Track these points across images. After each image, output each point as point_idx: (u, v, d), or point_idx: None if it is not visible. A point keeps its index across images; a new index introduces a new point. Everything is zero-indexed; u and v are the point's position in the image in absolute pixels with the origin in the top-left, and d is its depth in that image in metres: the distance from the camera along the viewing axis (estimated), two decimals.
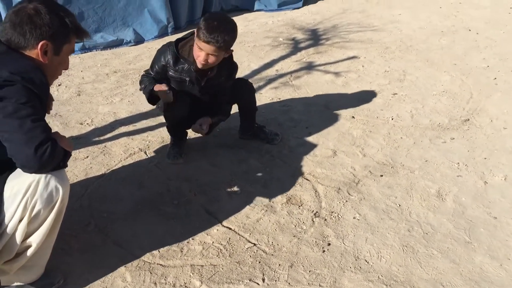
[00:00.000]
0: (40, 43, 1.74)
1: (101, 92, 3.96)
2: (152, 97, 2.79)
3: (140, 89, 2.86)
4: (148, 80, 2.78)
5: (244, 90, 3.04)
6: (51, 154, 1.66)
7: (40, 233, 1.80)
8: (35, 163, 1.65)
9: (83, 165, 2.92)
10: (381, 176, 2.88)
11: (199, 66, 2.65)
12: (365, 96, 3.90)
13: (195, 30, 2.62)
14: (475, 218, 2.52)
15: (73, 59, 4.65)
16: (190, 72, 2.73)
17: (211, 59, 2.59)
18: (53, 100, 2.11)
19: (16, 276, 1.93)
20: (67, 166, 1.81)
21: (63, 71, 1.96)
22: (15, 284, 1.97)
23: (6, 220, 1.71)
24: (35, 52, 1.75)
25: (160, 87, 2.63)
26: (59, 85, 4.07)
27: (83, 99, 3.82)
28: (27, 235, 1.78)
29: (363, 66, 4.54)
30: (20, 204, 1.71)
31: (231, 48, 2.67)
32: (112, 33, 5.07)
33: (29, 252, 1.83)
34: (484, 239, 2.38)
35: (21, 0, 1.79)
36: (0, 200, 1.70)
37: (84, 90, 3.98)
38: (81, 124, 3.42)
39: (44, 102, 1.77)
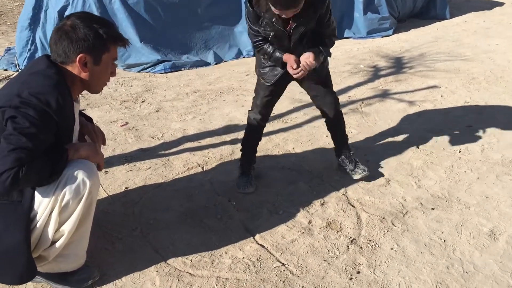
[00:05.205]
0: (78, 57, 1.92)
1: (177, 109, 4.22)
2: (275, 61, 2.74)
3: (262, 53, 2.77)
4: (270, 47, 2.69)
5: (326, 99, 2.93)
6: (12, 183, 1.75)
7: (70, 222, 1.98)
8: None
9: (144, 175, 3.14)
10: (432, 209, 2.76)
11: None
12: (436, 127, 3.75)
13: None
14: None
15: (160, 78, 5.03)
16: (272, 26, 2.60)
17: (293, 13, 2.46)
18: (102, 134, 2.34)
19: (55, 263, 2.10)
20: (55, 179, 1.90)
21: (111, 78, 2.12)
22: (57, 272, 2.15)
23: (40, 211, 1.91)
24: (76, 65, 1.94)
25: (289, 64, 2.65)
26: (142, 101, 4.41)
27: (160, 115, 4.10)
28: (60, 224, 1.97)
29: (442, 96, 4.37)
30: (52, 196, 1.90)
31: None
32: (196, 55, 5.54)
33: (62, 239, 2.00)
34: None
35: (64, 17, 2.00)
36: (32, 195, 1.91)
37: (163, 107, 4.28)
38: (152, 138, 3.68)
39: (62, 123, 1.89)
